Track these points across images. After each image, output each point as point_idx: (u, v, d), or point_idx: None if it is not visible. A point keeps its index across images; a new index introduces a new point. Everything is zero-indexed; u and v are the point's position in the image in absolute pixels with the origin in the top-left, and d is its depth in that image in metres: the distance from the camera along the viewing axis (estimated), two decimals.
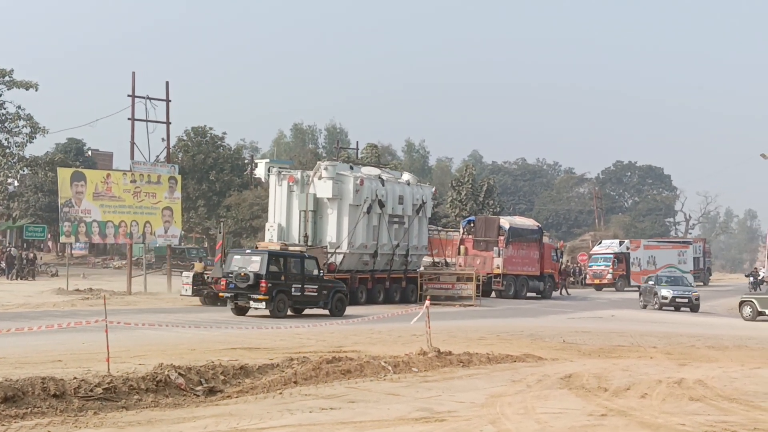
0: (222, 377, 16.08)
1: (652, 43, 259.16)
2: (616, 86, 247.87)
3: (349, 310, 34.99)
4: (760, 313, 40.36)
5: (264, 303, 31.69)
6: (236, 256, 33.19)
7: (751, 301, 41.53)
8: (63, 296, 41.34)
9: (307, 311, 34.49)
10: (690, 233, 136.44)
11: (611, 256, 67.25)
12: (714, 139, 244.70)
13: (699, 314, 44.14)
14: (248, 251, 34.76)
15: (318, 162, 45.63)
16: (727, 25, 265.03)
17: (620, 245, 68.79)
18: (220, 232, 39.94)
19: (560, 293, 57.13)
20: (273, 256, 32.70)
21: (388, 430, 12.20)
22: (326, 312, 33.81)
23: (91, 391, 14.04)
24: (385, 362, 18.24)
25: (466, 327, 30.18)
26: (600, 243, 73.17)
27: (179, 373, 15.38)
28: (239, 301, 32.31)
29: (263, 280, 31.64)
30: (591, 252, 71.02)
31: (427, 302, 22.68)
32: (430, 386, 16.15)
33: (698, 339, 28.59)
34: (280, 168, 44.13)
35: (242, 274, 31.85)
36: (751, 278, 64.79)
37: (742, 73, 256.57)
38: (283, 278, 32.50)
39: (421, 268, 46.21)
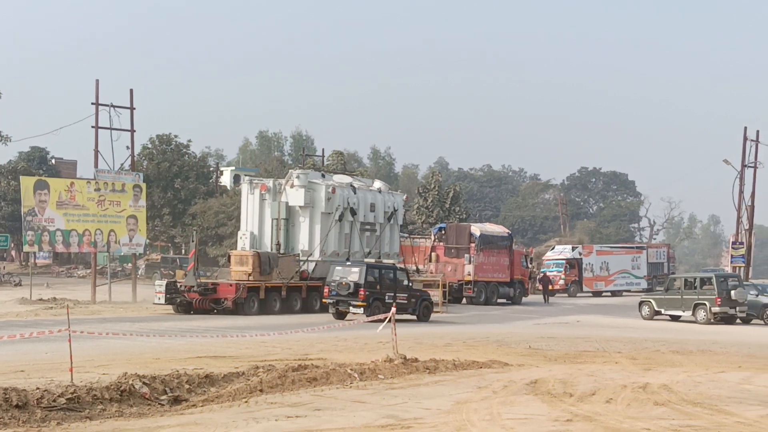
0: (187, 386, 15.99)
1: (620, 47, 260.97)
2: (580, 91, 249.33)
3: (318, 316, 35.11)
4: (657, 312, 42.25)
5: (362, 309, 34.80)
6: (337, 268, 36.61)
7: (649, 301, 43.25)
8: (26, 306, 40.97)
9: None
10: (654, 239, 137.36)
11: (563, 261, 66.97)
12: (677, 144, 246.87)
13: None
14: (348, 263, 37.56)
15: (290, 170, 46.02)
16: (694, 22, 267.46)
17: (573, 251, 68.42)
18: (192, 241, 40.01)
19: (545, 300, 56.97)
20: (370, 268, 36.37)
21: None
22: (414, 317, 36.90)
23: (54, 401, 13.91)
24: (351, 369, 18.21)
25: (433, 334, 30.19)
26: (553, 248, 73.17)
27: (144, 383, 15.28)
28: (340, 306, 35.70)
29: (362, 289, 35.15)
30: (544, 258, 70.77)
31: (393, 309, 22.65)
32: (396, 393, 16.14)
33: (663, 344, 28.76)
34: (251, 177, 44.26)
35: (343, 283, 35.34)
36: None
37: (710, 70, 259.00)
38: (378, 287, 35.99)
39: None
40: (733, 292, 39.82)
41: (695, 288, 41.17)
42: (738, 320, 40.60)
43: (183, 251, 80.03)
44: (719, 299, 39.44)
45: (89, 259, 59.56)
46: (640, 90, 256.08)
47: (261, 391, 15.93)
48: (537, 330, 34.32)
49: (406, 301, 36.48)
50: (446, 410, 14.37)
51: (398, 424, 13.09)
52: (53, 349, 20.65)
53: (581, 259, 67.31)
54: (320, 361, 19.70)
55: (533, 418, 13.82)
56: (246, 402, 14.96)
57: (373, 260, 39.55)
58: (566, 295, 65.31)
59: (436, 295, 43.12)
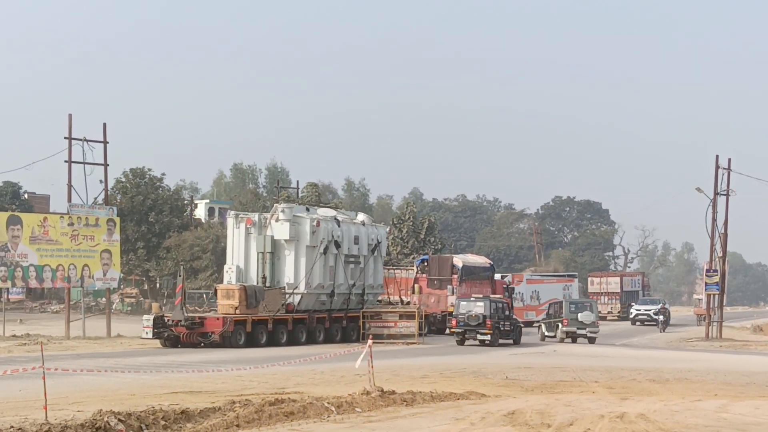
0: (163, 422, 15.87)
1: (590, 74, 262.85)
2: (554, 121, 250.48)
3: (306, 348, 35.48)
4: (547, 336, 47.51)
5: (489, 336, 41.53)
6: (462, 302, 43.16)
7: (540, 325, 49.23)
8: None
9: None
10: (629, 267, 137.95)
11: None
12: (650, 173, 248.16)
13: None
14: (473, 299, 44.05)
15: (275, 204, 46.60)
16: (662, 50, 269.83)
17: (502, 278, 67.01)
18: (179, 276, 40.26)
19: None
20: (492, 302, 42.94)
21: None
22: (510, 341, 43.52)
23: None
24: (328, 403, 18.13)
25: (410, 365, 30.14)
26: None
27: (119, 420, 15.16)
28: (467, 335, 42.27)
29: (489, 320, 41.47)
30: None
31: (370, 341, 22.64)
32: (374, 426, 16.08)
33: (639, 372, 28.83)
34: (237, 213, 44.52)
35: (473, 315, 41.58)
36: (661, 316, 64.40)
37: (679, 99, 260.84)
38: (496, 318, 42.27)
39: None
40: (579, 314, 46.26)
41: (558, 312, 47.56)
42: (585, 339, 46.38)
43: (158, 285, 79.68)
44: (566, 321, 46.25)
45: (63, 294, 59.06)
46: (612, 119, 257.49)
47: (237, 426, 15.83)
48: (513, 360, 34.33)
49: (510, 329, 43.69)
50: None
51: None
52: (27, 387, 20.47)
53: (512, 287, 64.67)
54: (297, 395, 19.62)
55: None
56: None
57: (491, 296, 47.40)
58: None
59: (413, 326, 43.21)
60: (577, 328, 46.40)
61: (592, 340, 46.39)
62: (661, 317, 63.39)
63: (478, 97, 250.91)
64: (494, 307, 42.62)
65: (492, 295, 47.50)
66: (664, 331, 61.06)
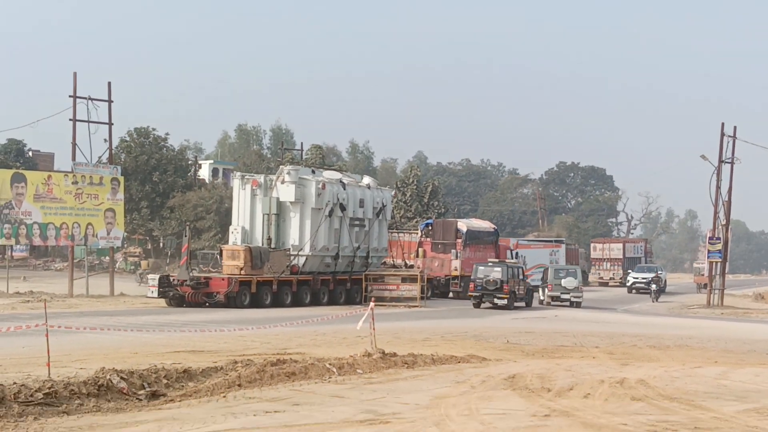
0: (165, 381, 15.95)
1: (597, 34, 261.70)
2: (558, 85, 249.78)
3: (309, 310, 35.52)
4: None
5: (506, 300, 43.04)
6: (480, 267, 44.39)
7: (538, 291, 50.40)
8: (3, 299, 40.65)
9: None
10: (632, 233, 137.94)
11: None
12: (655, 139, 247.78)
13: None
14: (490, 263, 45.15)
15: (281, 166, 46.95)
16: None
17: None
18: (185, 236, 40.40)
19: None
20: (508, 267, 44.38)
21: None
22: (522, 304, 45.23)
23: (32, 396, 13.85)
24: (329, 364, 18.21)
25: (411, 328, 30.24)
26: None
27: (121, 377, 15.23)
28: (484, 299, 43.52)
29: (506, 284, 43.04)
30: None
31: (372, 304, 22.73)
32: (374, 388, 16.15)
33: (640, 339, 28.90)
34: (243, 175, 44.55)
35: (491, 279, 43.13)
36: (654, 285, 59.88)
37: (688, 65, 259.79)
38: (512, 282, 43.75)
39: None
40: (563, 280, 48.35)
41: (545, 277, 49.89)
42: (569, 303, 48.00)
43: (161, 245, 79.75)
44: (551, 286, 48.65)
45: (66, 253, 59.21)
46: (618, 83, 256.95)
47: (239, 386, 15.90)
48: (515, 324, 34.42)
49: (524, 293, 45.47)
50: (424, 405, 14.39)
51: (377, 419, 13.10)
52: (30, 344, 20.55)
53: (517, 252, 63.74)
54: (299, 356, 19.70)
55: (511, 413, 13.87)
56: (224, 397, 14.93)
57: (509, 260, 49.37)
58: None
59: (415, 289, 43.37)
60: (561, 293, 48.34)
61: (575, 305, 47.87)
62: (654, 286, 59.56)
63: (484, 59, 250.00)
64: (511, 272, 44.18)
65: (508, 261, 48.83)
66: (656, 300, 57.67)
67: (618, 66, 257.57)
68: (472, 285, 44.31)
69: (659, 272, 67.04)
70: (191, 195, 74.25)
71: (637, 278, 70.01)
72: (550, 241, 76.32)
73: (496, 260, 47.24)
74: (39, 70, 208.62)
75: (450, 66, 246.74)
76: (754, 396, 16.38)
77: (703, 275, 75.06)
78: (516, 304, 44.42)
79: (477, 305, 44.07)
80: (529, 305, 45.95)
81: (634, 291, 68.67)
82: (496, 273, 43.64)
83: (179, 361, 18.27)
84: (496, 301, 43.31)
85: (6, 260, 56.98)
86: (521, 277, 45.83)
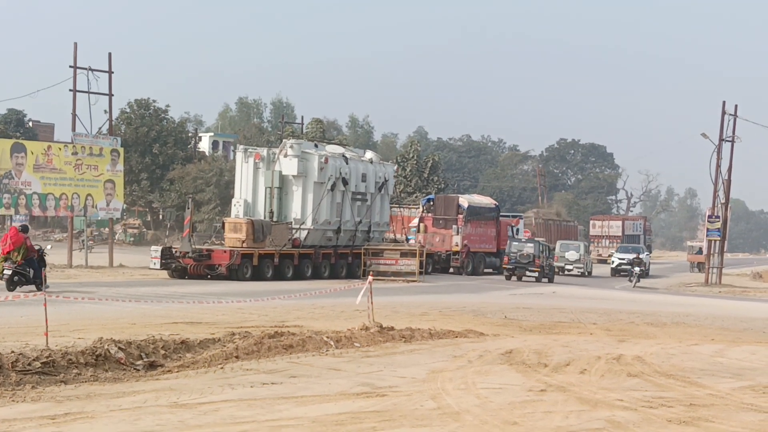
0: (162, 352, 15.98)
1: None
2: (559, 58, 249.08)
3: (310, 283, 35.72)
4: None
5: (537, 273, 47.89)
6: (514, 243, 49.68)
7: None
8: None
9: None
10: (632, 211, 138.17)
11: None
12: (656, 117, 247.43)
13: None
14: (523, 240, 51.62)
15: (284, 140, 46.78)
16: None
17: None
18: (188, 208, 40.45)
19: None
20: (539, 244, 49.22)
21: (329, 405, 12.21)
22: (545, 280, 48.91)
23: (29, 364, 13.87)
24: (327, 337, 18.23)
25: (409, 303, 30.28)
26: None
27: (119, 348, 15.25)
28: (517, 271, 48.14)
29: (537, 260, 47.78)
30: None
31: (370, 277, 22.76)
32: (371, 361, 16.19)
33: (637, 316, 28.97)
34: (246, 147, 44.87)
35: (525, 253, 47.91)
36: (637, 268, 50.80)
37: (691, 43, 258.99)
38: (541, 258, 48.20)
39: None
40: (566, 253, 57.43)
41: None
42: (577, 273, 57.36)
43: (161, 216, 79.81)
44: (557, 257, 54.95)
45: (66, 223, 59.25)
46: (620, 53, 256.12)
47: (237, 357, 15.93)
48: (513, 300, 34.49)
49: (549, 269, 49.66)
50: (421, 379, 14.43)
51: (373, 392, 13.14)
52: (28, 313, 20.59)
53: (517, 229, 61.23)
54: (296, 329, 19.73)
55: (508, 387, 13.90)
56: (221, 368, 14.96)
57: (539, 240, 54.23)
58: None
59: (413, 264, 43.43)
60: (565, 264, 57.09)
61: (586, 274, 57.84)
62: (637, 269, 50.44)
63: (485, 33, 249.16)
64: (541, 249, 48.63)
65: (538, 238, 54.81)
66: (635, 285, 49.08)
67: (620, 36, 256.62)
68: (506, 258, 48.81)
69: (641, 254, 58.60)
70: (191, 167, 74.30)
71: (623, 259, 60.48)
72: (508, 216, 72.50)
73: (533, 239, 52.74)
74: (40, 40, 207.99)
75: (452, 41, 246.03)
76: (749, 374, 16.43)
77: (697, 254, 74.87)
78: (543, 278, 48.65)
79: (509, 277, 48.46)
80: (551, 281, 49.20)
81: (618, 274, 59.76)
82: (529, 248, 48.38)
83: (177, 333, 18.30)
84: (528, 274, 47.80)
85: (5, 230, 56.97)
86: (548, 253, 50.04)
